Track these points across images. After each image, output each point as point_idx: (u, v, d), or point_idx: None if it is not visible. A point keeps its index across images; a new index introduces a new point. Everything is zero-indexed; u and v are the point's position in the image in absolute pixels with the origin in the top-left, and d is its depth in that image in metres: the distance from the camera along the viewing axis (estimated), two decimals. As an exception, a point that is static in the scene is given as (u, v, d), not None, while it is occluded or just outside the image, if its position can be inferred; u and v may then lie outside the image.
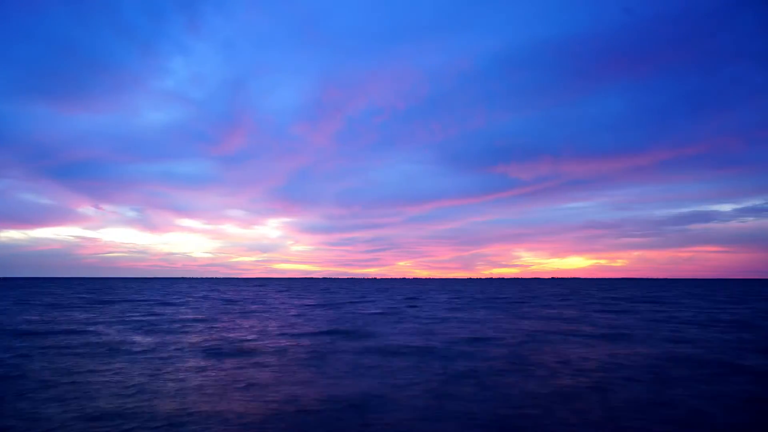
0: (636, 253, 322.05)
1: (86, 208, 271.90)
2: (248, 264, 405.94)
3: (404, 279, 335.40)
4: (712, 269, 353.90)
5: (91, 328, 14.30)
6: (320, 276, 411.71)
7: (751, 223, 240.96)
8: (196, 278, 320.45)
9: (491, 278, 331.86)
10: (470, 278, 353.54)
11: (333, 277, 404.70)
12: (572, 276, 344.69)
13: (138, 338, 12.13)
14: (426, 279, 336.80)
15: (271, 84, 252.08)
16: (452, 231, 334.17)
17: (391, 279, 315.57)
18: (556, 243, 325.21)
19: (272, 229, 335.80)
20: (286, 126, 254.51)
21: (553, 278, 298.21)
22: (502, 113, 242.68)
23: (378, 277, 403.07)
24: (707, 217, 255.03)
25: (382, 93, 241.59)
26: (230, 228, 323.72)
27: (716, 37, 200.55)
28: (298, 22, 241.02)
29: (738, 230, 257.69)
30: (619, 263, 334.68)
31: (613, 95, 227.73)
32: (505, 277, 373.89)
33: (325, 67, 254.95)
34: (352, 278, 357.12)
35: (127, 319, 17.28)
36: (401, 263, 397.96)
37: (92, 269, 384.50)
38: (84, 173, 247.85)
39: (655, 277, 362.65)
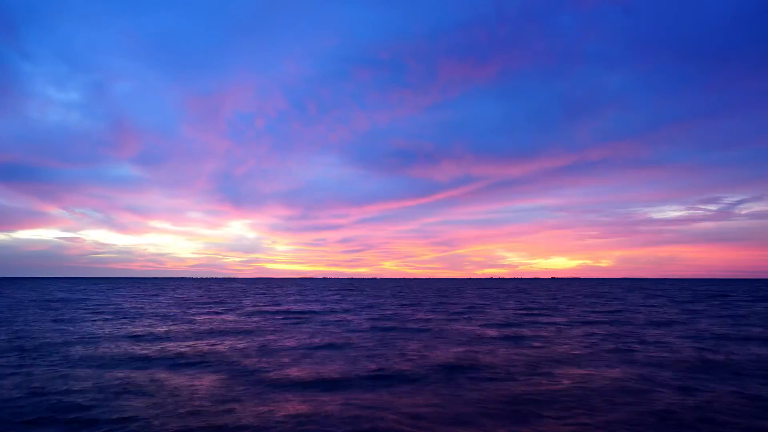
0: (617, 253, 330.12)
1: (59, 211, 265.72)
2: (238, 264, 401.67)
3: (404, 279, 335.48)
4: (696, 269, 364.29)
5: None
6: (317, 276, 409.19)
7: (708, 224, 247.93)
8: (193, 279, 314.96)
9: (491, 278, 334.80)
10: (469, 278, 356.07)
11: (330, 277, 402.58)
12: (568, 276, 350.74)
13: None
14: (425, 279, 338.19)
15: (131, 91, 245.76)
16: (414, 232, 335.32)
17: (393, 279, 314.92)
18: (529, 243, 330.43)
19: (239, 229, 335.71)
20: (175, 129, 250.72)
21: (553, 278, 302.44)
22: (380, 114, 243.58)
23: (377, 277, 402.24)
24: (656, 219, 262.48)
25: (244, 100, 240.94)
26: (197, 229, 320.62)
27: (544, 41, 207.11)
28: (137, 32, 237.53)
29: (698, 230, 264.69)
30: (604, 263, 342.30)
31: (485, 99, 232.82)
32: (504, 277, 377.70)
33: (179, 77, 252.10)
34: (351, 278, 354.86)
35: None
36: (387, 263, 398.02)
37: (88, 270, 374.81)
38: (17, 176, 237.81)
39: (643, 277, 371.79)
